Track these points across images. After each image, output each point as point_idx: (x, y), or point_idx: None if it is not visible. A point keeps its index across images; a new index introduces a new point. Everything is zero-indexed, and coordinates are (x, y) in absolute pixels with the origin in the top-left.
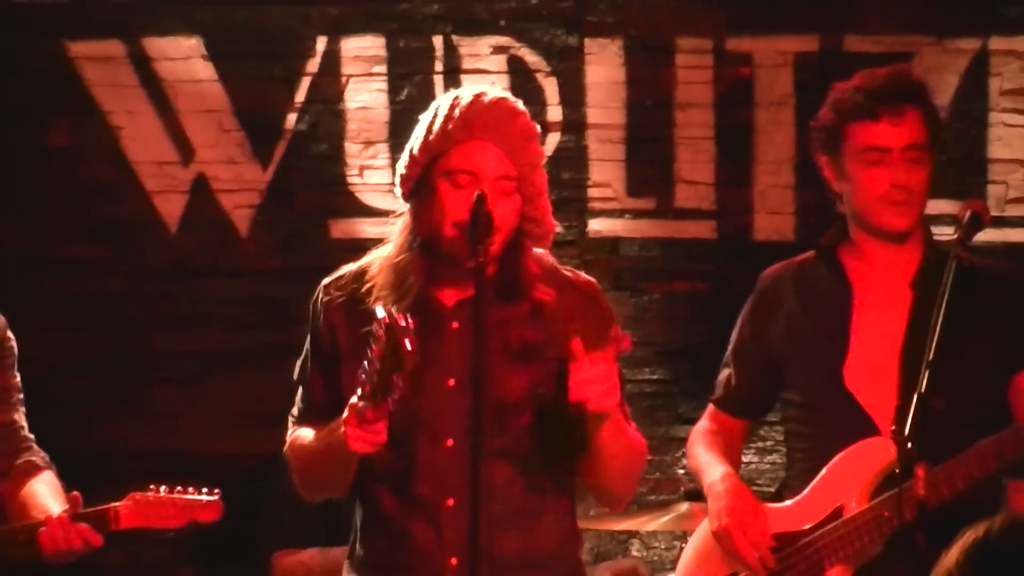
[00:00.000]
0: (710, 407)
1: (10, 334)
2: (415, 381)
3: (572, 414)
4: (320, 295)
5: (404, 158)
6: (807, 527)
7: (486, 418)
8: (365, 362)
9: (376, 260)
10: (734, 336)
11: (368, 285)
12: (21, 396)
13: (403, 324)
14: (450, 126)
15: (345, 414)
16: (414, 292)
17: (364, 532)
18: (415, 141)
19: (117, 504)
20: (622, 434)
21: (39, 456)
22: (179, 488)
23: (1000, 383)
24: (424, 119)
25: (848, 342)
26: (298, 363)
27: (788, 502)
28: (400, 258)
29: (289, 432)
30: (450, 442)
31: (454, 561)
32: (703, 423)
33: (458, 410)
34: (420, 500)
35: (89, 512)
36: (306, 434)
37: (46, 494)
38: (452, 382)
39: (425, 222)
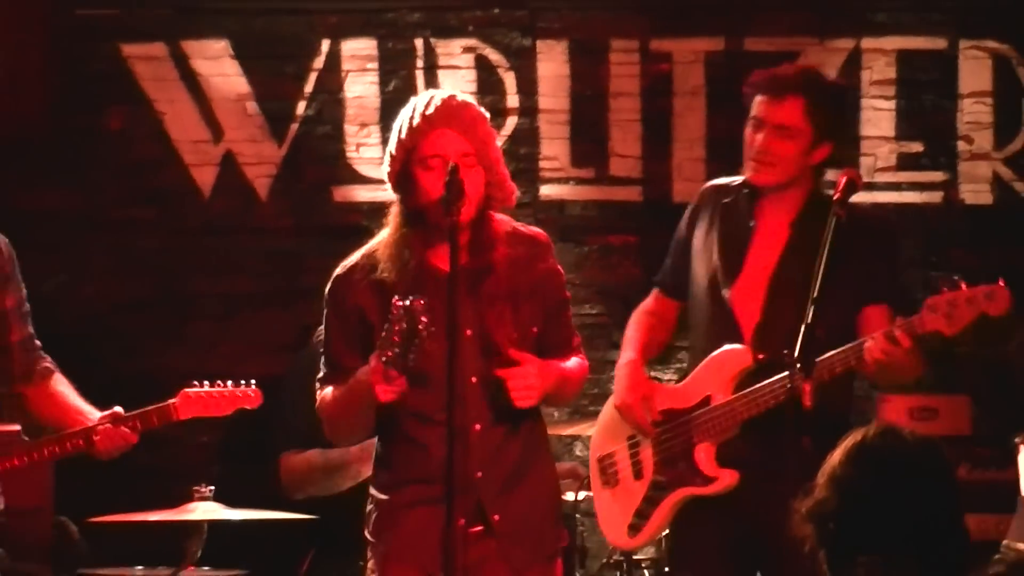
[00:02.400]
0: (654, 288)
1: (11, 249)
2: (435, 337)
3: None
4: (339, 283)
5: (386, 159)
6: (685, 408)
7: (486, 354)
8: (384, 332)
9: (378, 244)
10: (676, 231)
11: (377, 264)
12: (28, 307)
13: (418, 305)
14: (415, 123)
15: (371, 366)
16: (413, 261)
17: (393, 455)
18: (392, 144)
19: (173, 401)
20: (565, 383)
21: (49, 361)
22: (219, 382)
23: (847, 313)
24: (395, 126)
25: (742, 268)
26: (316, 335)
27: (676, 384)
28: (396, 236)
29: (319, 393)
30: (474, 379)
31: (479, 474)
32: (645, 302)
33: (476, 353)
34: (452, 427)
35: (150, 409)
36: (332, 393)
37: (71, 393)
38: (468, 332)
39: (412, 203)
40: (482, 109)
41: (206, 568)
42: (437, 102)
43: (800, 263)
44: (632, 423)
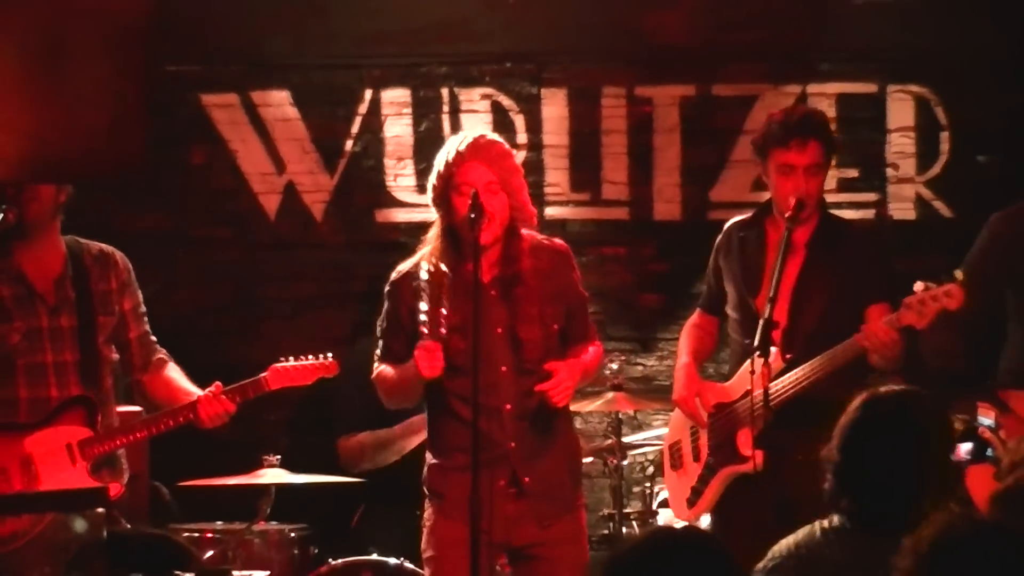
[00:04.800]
0: (697, 309)
1: (127, 261)
2: (471, 331)
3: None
4: (395, 287)
5: (429, 185)
6: (731, 401)
7: (514, 347)
8: (421, 310)
9: (423, 257)
10: (709, 263)
11: (421, 271)
12: (144, 309)
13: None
14: (451, 158)
15: (417, 345)
16: (449, 271)
17: (441, 426)
18: (434, 173)
19: (264, 374)
20: (587, 373)
21: (164, 353)
22: (302, 356)
23: (856, 312)
24: (437, 159)
25: (762, 282)
26: (379, 323)
27: (725, 384)
28: (438, 252)
29: (376, 366)
30: (504, 368)
31: (512, 445)
32: (691, 319)
33: (505, 347)
34: (487, 407)
35: (246, 383)
36: (388, 369)
37: (180, 378)
38: (499, 330)
39: (448, 220)
40: (507, 146)
41: (274, 523)
42: (469, 140)
43: (818, 275)
44: (687, 414)
